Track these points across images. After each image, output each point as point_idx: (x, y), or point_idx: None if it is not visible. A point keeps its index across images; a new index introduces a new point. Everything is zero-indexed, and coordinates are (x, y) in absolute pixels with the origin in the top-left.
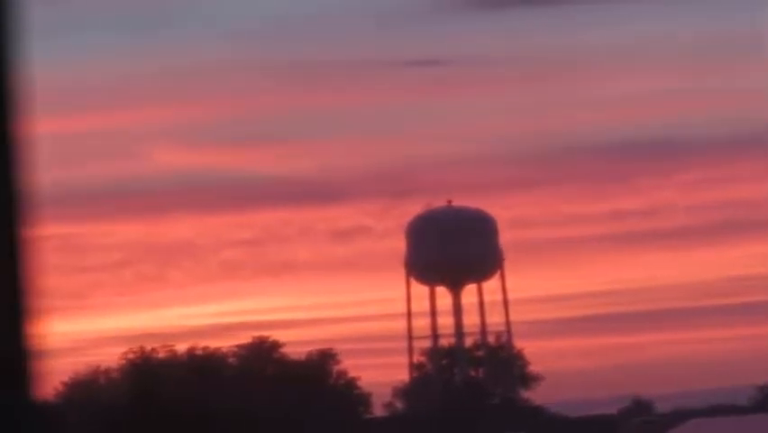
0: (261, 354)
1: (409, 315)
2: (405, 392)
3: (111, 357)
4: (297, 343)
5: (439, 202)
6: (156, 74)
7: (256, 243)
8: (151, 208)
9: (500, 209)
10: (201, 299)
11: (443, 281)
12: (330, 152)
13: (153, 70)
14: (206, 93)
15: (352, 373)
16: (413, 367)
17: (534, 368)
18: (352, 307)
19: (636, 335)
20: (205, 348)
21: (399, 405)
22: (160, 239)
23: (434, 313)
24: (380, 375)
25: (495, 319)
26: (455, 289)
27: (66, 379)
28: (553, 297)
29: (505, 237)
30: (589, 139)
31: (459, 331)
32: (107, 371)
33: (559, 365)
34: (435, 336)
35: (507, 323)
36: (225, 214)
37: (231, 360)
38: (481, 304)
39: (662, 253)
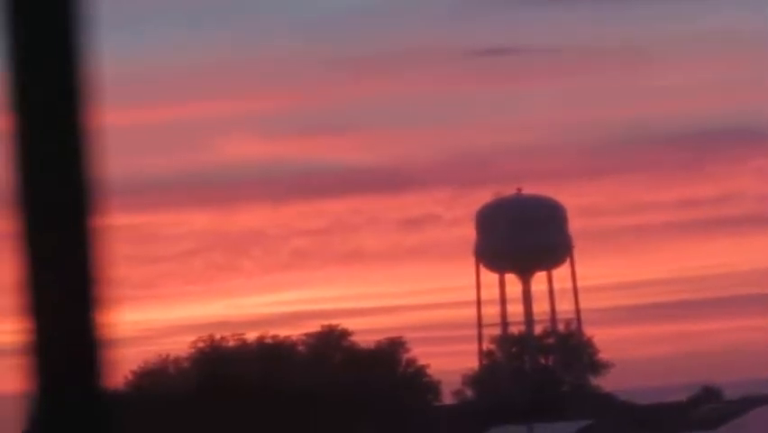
0: (330, 342)
1: (479, 303)
2: (474, 380)
3: (181, 346)
4: (366, 331)
5: (508, 190)
6: (226, 65)
7: (325, 232)
8: (222, 198)
9: (569, 197)
10: (271, 288)
11: (512, 269)
12: (399, 141)
13: (224, 61)
14: (277, 84)
15: (421, 361)
16: (482, 355)
17: (603, 355)
18: (422, 295)
19: (706, 322)
20: (274, 337)
21: (469, 393)
22: (231, 228)
23: (503, 301)
24: (450, 363)
25: (564, 307)
26: (525, 276)
27: (135, 368)
28: (622, 284)
29: (574, 225)
30: (658, 128)
31: (528, 319)
32: (177, 360)
33: (628, 353)
34: (505, 323)
35: (577, 310)
36: (295, 203)
37: (300, 348)
38: (551, 292)
39: (732, 239)
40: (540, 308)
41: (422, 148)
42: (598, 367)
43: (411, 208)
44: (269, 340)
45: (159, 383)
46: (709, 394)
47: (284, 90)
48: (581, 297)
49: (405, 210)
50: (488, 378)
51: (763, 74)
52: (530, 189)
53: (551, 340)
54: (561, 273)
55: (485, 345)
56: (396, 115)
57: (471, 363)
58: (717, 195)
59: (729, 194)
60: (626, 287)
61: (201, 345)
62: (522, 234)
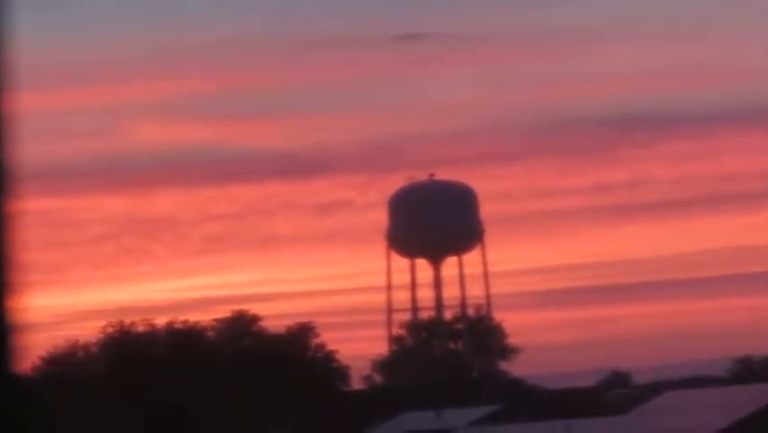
0: (240, 327)
1: (389, 288)
2: (384, 365)
3: (90, 331)
4: (276, 316)
5: (421, 176)
6: (141, 50)
7: (238, 217)
8: (134, 183)
9: (482, 182)
10: (182, 274)
11: (423, 254)
12: (313, 127)
13: (138, 46)
14: (191, 70)
15: (330, 347)
16: (392, 340)
17: (513, 340)
18: (333, 280)
19: (616, 307)
20: (184, 322)
21: (378, 378)
22: (143, 213)
23: (414, 286)
24: (359, 348)
25: (475, 292)
26: (435, 262)
27: (45, 353)
28: (532, 270)
29: (486, 210)
30: (571, 113)
31: (439, 304)
32: (86, 345)
33: (538, 338)
34: (415, 308)
35: (487, 296)
36: (207, 189)
37: (210, 334)
38: (461, 277)
39: (643, 225)
40: (450, 293)
41: (336, 133)
42: (507, 352)
43: (324, 194)
44: (178, 325)
45: (68, 369)
46: (619, 379)
47: (197, 75)
48: (492, 282)
49: (318, 196)
50: (397, 363)
51: (676, 60)
52: (443, 175)
53: (461, 325)
54: (471, 258)
55: (395, 331)
56: (310, 100)
57: (381, 348)
58: (629, 180)
59: (642, 179)
60: (537, 272)
61: (110, 330)
62: (433, 220)
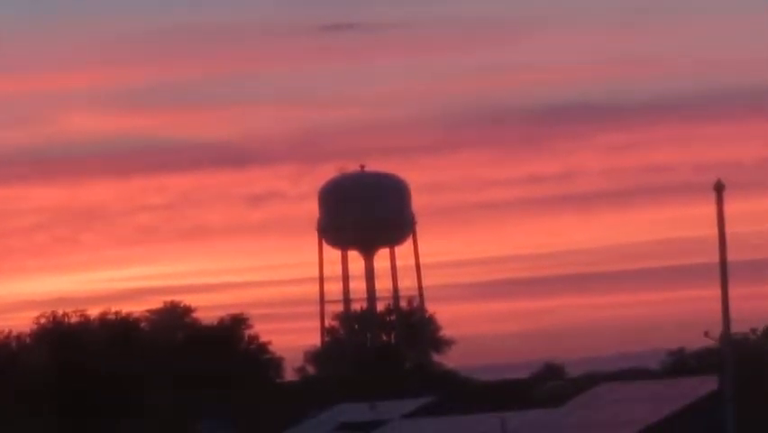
0: (173, 318)
1: (321, 279)
2: (316, 357)
3: (23, 322)
4: (209, 307)
5: (352, 166)
6: (72, 38)
7: (170, 207)
8: (66, 173)
9: (414, 173)
10: (115, 264)
11: (355, 246)
12: (244, 117)
13: (69, 35)
14: (122, 58)
15: (263, 338)
16: (325, 332)
17: (446, 333)
18: (265, 271)
19: (549, 299)
20: (117, 313)
21: (311, 370)
22: (75, 203)
23: (346, 277)
24: (292, 340)
25: (407, 284)
26: (367, 253)
27: None
28: (465, 261)
29: (418, 202)
30: (503, 103)
31: (371, 295)
32: (19, 336)
33: (471, 330)
34: (347, 300)
35: (420, 288)
36: (140, 178)
37: (143, 324)
38: (394, 268)
39: (576, 217)
40: (383, 284)
41: (267, 123)
42: (440, 344)
43: (255, 184)
44: (111, 316)
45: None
46: (552, 372)
47: (128, 65)
48: (424, 274)
49: (249, 186)
50: (330, 355)
51: (609, 50)
52: (374, 166)
53: (393, 317)
54: (403, 250)
55: (327, 322)
56: (240, 90)
57: (314, 339)
58: (562, 171)
59: (575, 170)
60: (469, 264)
61: (43, 321)
62: (365, 211)
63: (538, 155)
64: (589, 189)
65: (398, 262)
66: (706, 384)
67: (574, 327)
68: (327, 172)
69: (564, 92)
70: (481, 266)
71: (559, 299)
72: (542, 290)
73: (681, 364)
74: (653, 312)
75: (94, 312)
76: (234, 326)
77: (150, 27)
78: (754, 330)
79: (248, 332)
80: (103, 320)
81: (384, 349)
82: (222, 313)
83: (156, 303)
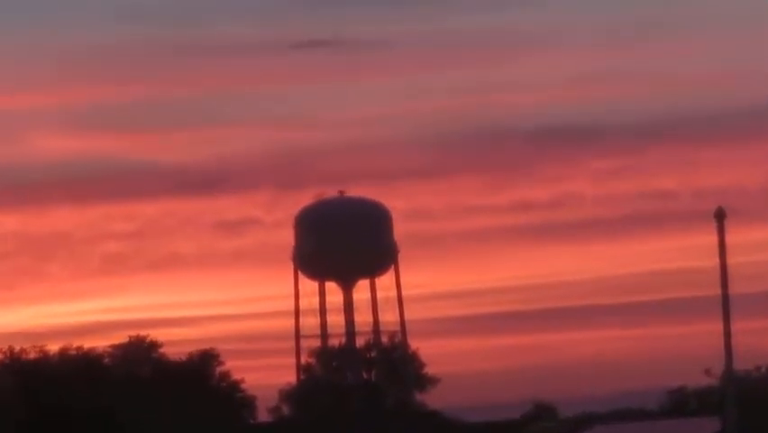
0: (139, 354)
1: (297, 313)
2: (292, 396)
3: None
4: (178, 342)
5: (330, 192)
6: (35, 57)
7: (137, 236)
8: (28, 198)
9: (396, 200)
10: (77, 296)
11: (333, 277)
12: (216, 139)
13: (32, 53)
14: (88, 77)
15: (235, 376)
16: (300, 369)
17: (430, 369)
18: (237, 304)
19: (540, 334)
20: (78, 348)
21: (286, 409)
22: (36, 231)
23: (323, 311)
24: (266, 377)
25: (389, 318)
26: (346, 285)
27: None
28: (450, 293)
29: (400, 230)
30: (491, 125)
31: (350, 330)
32: None
33: (457, 367)
34: (325, 335)
35: (402, 322)
36: (105, 205)
37: (106, 360)
38: (374, 301)
39: (569, 246)
40: (362, 318)
41: (240, 146)
42: (424, 382)
43: (228, 211)
44: (73, 352)
45: None
46: (543, 412)
47: (96, 84)
48: (407, 307)
49: (221, 213)
50: (306, 394)
51: (602, 67)
52: (354, 191)
53: (373, 353)
54: (385, 282)
55: (303, 359)
56: (213, 111)
57: (289, 377)
58: (552, 198)
59: (566, 197)
60: (455, 296)
61: (0, 356)
62: (343, 239)
63: (527, 181)
64: (582, 217)
65: (379, 295)
66: (708, 426)
67: (566, 365)
68: (304, 198)
69: (555, 113)
70: (468, 299)
71: (550, 334)
72: (532, 324)
73: (681, 404)
74: (651, 348)
75: (54, 347)
76: (204, 362)
77: (116, 43)
78: (758, 367)
79: (219, 369)
80: (63, 356)
81: (364, 387)
82: (191, 348)
83: (121, 338)
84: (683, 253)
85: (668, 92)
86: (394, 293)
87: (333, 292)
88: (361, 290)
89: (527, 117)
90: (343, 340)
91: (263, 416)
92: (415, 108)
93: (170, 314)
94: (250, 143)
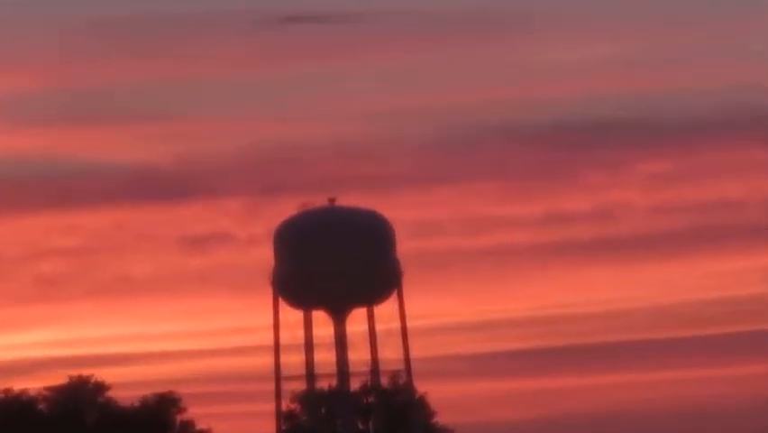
0: (82, 398)
1: (277, 348)
2: None
3: None
4: (129, 384)
5: (319, 201)
6: None
7: (81, 252)
8: None
9: (399, 210)
10: (8, 326)
11: (321, 305)
12: (179, 136)
13: None
14: (15, 60)
15: (200, 425)
16: (281, 417)
17: (441, 419)
18: (203, 338)
19: (575, 377)
20: (7, 391)
21: None
22: None
23: (309, 346)
24: (239, 428)
25: (390, 355)
26: (338, 315)
27: None
28: (466, 326)
29: (404, 247)
30: (516, 120)
31: (342, 370)
32: None
33: (474, 416)
34: (311, 375)
35: (407, 360)
36: (43, 215)
37: (41, 406)
38: (372, 334)
39: (611, 269)
40: (358, 355)
41: (208, 145)
42: None
43: (193, 224)
44: (0, 395)
45: None
46: None
47: (24, 69)
48: (412, 342)
49: (184, 226)
50: None
51: (651, 50)
52: (347, 200)
53: (371, 398)
54: (385, 311)
55: (285, 405)
56: (174, 101)
57: (267, 427)
58: (593, 210)
59: (610, 209)
60: (471, 329)
61: None
62: (334, 259)
63: (560, 189)
64: (630, 233)
65: (378, 327)
66: None
67: (607, 413)
68: (286, 208)
69: (594, 107)
70: (487, 332)
71: (588, 376)
72: (566, 364)
73: None
74: (710, 393)
75: None
76: (162, 408)
77: (55, 21)
78: None
79: (180, 417)
80: None
81: None
82: (146, 391)
83: (59, 378)
84: (751, 277)
85: (735, 81)
86: (397, 325)
87: (322, 324)
88: (357, 322)
89: (560, 111)
90: (334, 382)
91: None
92: (421, 98)
93: (120, 349)
94: (220, 141)
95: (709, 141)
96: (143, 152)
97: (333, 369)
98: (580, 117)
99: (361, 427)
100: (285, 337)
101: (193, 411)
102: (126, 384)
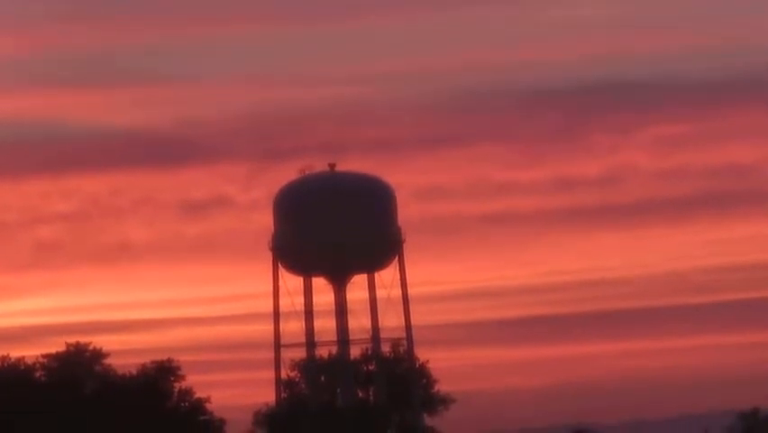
0: (80, 366)
1: (277, 315)
2: (270, 419)
3: None
4: (127, 352)
5: (319, 165)
6: None
7: (79, 218)
8: None
9: (401, 175)
10: (4, 293)
11: (321, 272)
12: (177, 100)
13: None
14: (13, 22)
15: (199, 393)
16: (281, 385)
17: (442, 387)
18: (202, 305)
19: (580, 344)
20: (3, 358)
21: None
22: None
23: (309, 313)
24: (238, 396)
25: (391, 323)
26: (338, 281)
27: None
28: (469, 292)
29: (406, 213)
30: (522, 82)
31: (343, 338)
32: None
33: (475, 384)
34: (311, 343)
35: (408, 327)
36: (40, 179)
37: (38, 374)
38: (373, 302)
39: (621, 234)
40: (358, 323)
41: (208, 109)
42: (434, 403)
43: (192, 189)
44: None
45: None
46: None
47: (24, 29)
48: (413, 309)
49: (183, 191)
50: (288, 416)
51: (666, 11)
52: (348, 165)
53: (372, 366)
54: (386, 278)
55: (284, 373)
56: (174, 64)
57: (267, 396)
58: (600, 173)
59: (617, 172)
60: (474, 296)
61: None
62: (335, 225)
63: (570, 152)
64: (639, 198)
65: (379, 294)
66: None
67: (613, 382)
68: (286, 173)
69: (604, 66)
70: (490, 299)
71: (593, 343)
72: (571, 331)
73: (755, 430)
74: (720, 362)
75: None
76: (161, 376)
77: None
78: None
79: (178, 385)
80: None
81: (360, 410)
82: (144, 359)
83: (57, 345)
84: (765, 243)
85: (752, 39)
86: (398, 292)
87: (322, 290)
88: (357, 289)
89: (568, 72)
90: (334, 350)
91: None
92: (424, 58)
93: (118, 316)
94: (220, 104)
95: (724, 101)
96: (142, 116)
97: (333, 337)
98: (585, 78)
99: (361, 396)
100: (285, 305)
101: (192, 379)
102: (124, 352)
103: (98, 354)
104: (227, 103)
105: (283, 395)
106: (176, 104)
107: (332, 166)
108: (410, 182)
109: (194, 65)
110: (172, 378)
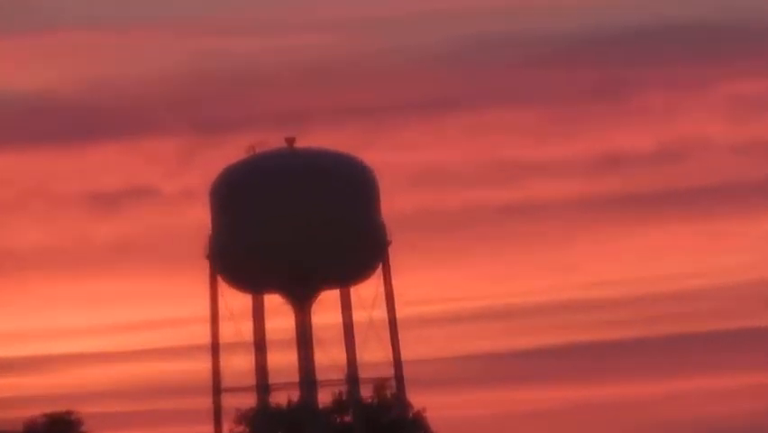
0: None
1: (216, 348)
2: None
3: None
4: (10, 400)
5: (274, 141)
6: None
7: None
8: None
9: (385, 153)
10: None
11: (277, 287)
12: (83, 52)
13: None
14: None
15: None
16: None
17: None
18: (113, 334)
19: (639, 382)
20: None
21: None
22: None
23: (261, 345)
24: None
25: (373, 356)
26: (300, 300)
27: None
28: (478, 313)
29: (392, 205)
30: (540, 31)
31: (307, 378)
32: None
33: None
34: (264, 386)
35: (397, 362)
36: None
37: None
38: (348, 327)
39: (674, 227)
40: (328, 357)
41: (125, 66)
42: None
43: (101, 175)
44: None
45: None
46: None
47: None
48: (404, 337)
49: (93, 177)
50: None
51: None
52: (311, 140)
53: (347, 417)
54: (366, 293)
55: (227, 427)
56: (77, 7)
57: None
58: (644, 150)
59: (684, 144)
60: (488, 317)
61: None
62: (295, 223)
63: (613, 119)
64: (709, 179)
65: (357, 317)
66: None
67: (664, 421)
68: (228, 152)
69: (648, 11)
70: (509, 322)
71: (656, 381)
72: (623, 365)
73: None
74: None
75: None
76: (60, 428)
77: None
78: None
79: None
80: None
81: None
82: (33, 411)
83: None
84: None
85: None
86: (382, 314)
87: (278, 313)
88: (326, 310)
89: (610, 13)
90: (296, 395)
91: None
92: (415, 4)
93: (3, 351)
94: (140, 61)
95: None
96: (34, 77)
97: (294, 377)
98: (623, 25)
99: None
100: (226, 333)
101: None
102: (5, 400)
103: None
104: (150, 59)
105: None
106: (79, 59)
107: (290, 141)
108: (397, 163)
109: (103, 6)
110: (71, 430)
